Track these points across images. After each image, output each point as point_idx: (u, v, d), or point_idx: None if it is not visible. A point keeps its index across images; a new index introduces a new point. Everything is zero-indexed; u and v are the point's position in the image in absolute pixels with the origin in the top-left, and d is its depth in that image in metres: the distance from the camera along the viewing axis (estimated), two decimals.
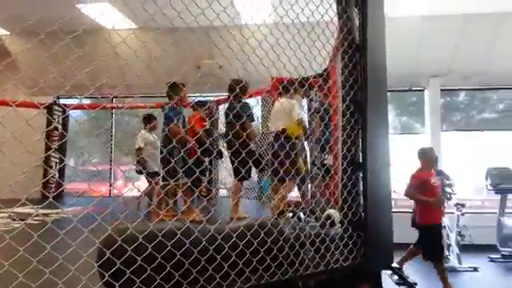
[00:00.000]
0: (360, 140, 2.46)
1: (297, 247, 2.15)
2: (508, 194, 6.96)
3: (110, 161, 9.37)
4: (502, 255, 6.74)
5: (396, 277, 5.13)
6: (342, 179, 2.46)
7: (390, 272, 5.26)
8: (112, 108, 8.96)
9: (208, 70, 7.84)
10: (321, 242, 2.32)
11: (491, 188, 6.82)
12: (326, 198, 3.02)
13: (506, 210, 7.03)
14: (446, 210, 6.68)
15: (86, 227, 1.51)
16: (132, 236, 1.61)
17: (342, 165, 2.47)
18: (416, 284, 5.03)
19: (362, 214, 2.44)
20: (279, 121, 4.19)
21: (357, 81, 2.49)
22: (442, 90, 8.41)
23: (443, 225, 6.49)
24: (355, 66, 2.50)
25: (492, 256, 6.84)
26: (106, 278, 1.52)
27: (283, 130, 4.11)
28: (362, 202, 2.46)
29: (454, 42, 7.77)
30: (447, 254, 6.54)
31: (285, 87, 4.33)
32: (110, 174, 9.33)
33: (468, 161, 8.76)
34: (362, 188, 2.45)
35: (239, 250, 1.88)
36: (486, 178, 6.89)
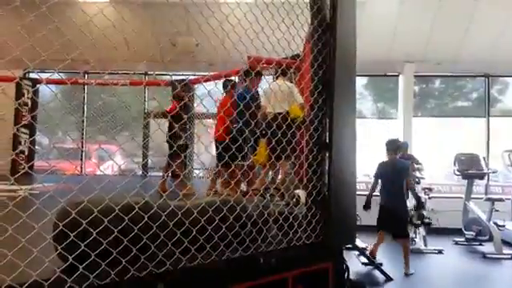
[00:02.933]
0: (327, 120, 2.48)
1: (259, 225, 2.16)
2: (474, 180, 7.18)
3: (82, 138, 9.16)
4: (466, 238, 7.01)
5: (363, 257, 5.30)
6: (308, 159, 2.48)
7: (357, 253, 5.43)
8: (84, 84, 8.72)
9: (184, 48, 7.70)
10: (284, 220, 2.35)
11: (458, 173, 7.03)
12: (297, 177, 3.04)
13: (472, 195, 7.27)
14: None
15: (50, 203, 1.48)
16: (90, 210, 1.59)
17: (308, 144, 2.48)
18: (382, 264, 5.18)
19: (327, 193, 2.47)
20: (283, 102, 4.07)
21: (325, 60, 2.49)
22: (415, 75, 8.53)
23: (411, 208, 6.69)
24: (325, 45, 2.49)
25: (457, 239, 7.11)
26: (59, 250, 1.49)
27: (287, 112, 4.01)
28: (327, 181, 2.49)
29: (428, 28, 7.86)
30: (414, 236, 6.77)
31: (283, 70, 4.21)
32: (82, 151, 9.13)
33: (440, 147, 8.97)
34: (327, 168, 2.48)
35: (200, 226, 1.88)
36: (454, 164, 7.09)
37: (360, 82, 9.47)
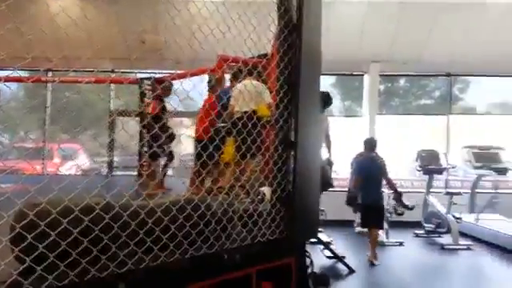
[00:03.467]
0: (292, 119, 2.53)
1: (224, 222, 2.19)
2: (434, 175, 7.49)
3: (44, 137, 8.86)
4: (426, 231, 7.31)
5: (327, 251, 5.43)
6: (274, 157, 2.53)
7: (322, 247, 5.56)
8: (47, 82, 8.42)
9: (152, 46, 7.59)
10: (248, 217, 2.38)
11: (420, 169, 7.31)
12: (262, 175, 3.07)
13: (433, 190, 7.58)
14: None
15: (8, 205, 1.45)
16: (49, 211, 1.56)
17: (274, 143, 2.52)
18: (344, 257, 5.33)
19: (291, 190, 2.53)
20: (251, 101, 4.06)
21: (291, 61, 2.53)
22: (380, 75, 8.79)
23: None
24: (291, 46, 2.53)
25: (417, 232, 7.40)
26: (16, 252, 1.46)
27: (254, 111, 4.02)
28: (291, 179, 2.54)
29: (393, 29, 8.10)
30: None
31: (249, 69, 4.19)
32: (43, 151, 8.84)
33: (404, 144, 9.27)
34: (292, 166, 2.53)
35: (163, 226, 1.89)
36: (416, 160, 7.36)
37: (328, 80, 9.67)
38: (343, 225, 7.41)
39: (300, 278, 2.63)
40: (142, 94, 7.52)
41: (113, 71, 8.62)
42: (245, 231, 2.33)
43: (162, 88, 5.78)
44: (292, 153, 2.50)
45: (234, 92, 4.07)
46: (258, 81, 4.01)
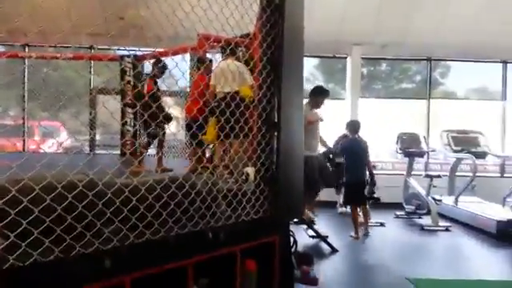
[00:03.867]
0: (276, 100, 2.54)
1: (208, 201, 2.21)
2: (415, 158, 7.65)
3: (23, 114, 8.67)
4: (406, 212, 7.50)
5: (310, 231, 5.54)
6: (257, 137, 2.54)
7: (305, 227, 5.66)
8: (24, 57, 8.19)
9: (131, 22, 7.40)
10: (233, 196, 2.41)
11: (400, 151, 7.45)
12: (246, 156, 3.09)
13: (413, 172, 7.74)
14: None
15: None
16: (31, 187, 1.55)
17: (257, 123, 2.53)
18: (327, 237, 5.44)
19: (275, 170, 2.55)
20: (232, 82, 4.01)
21: (274, 41, 2.52)
22: (363, 58, 8.82)
23: None
24: (273, 26, 2.52)
25: (398, 213, 7.58)
26: None
27: (237, 92, 3.98)
28: (275, 159, 2.57)
29: (375, 12, 8.10)
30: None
31: (232, 49, 4.12)
32: (24, 128, 8.66)
33: (386, 127, 9.40)
34: (275, 146, 2.55)
35: (148, 203, 1.89)
36: (397, 143, 7.49)
37: (312, 62, 9.66)
38: (326, 206, 7.54)
39: (284, 256, 2.69)
40: (123, 72, 7.40)
41: (91, 47, 8.41)
42: (229, 210, 2.36)
43: (158, 68, 5.63)
44: (275, 133, 2.53)
45: (216, 71, 4.03)
46: (239, 61, 3.99)
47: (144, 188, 1.88)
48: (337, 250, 5.20)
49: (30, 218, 1.48)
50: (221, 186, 2.33)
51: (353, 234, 5.86)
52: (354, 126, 6.32)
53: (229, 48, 3.56)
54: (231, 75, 3.64)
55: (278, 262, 2.63)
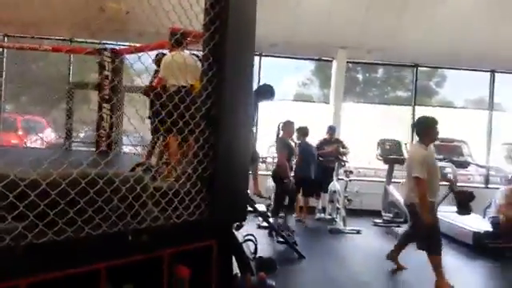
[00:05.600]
0: (216, 94, 2.36)
1: (129, 200, 2.03)
2: (395, 165, 7.50)
3: None
4: (384, 220, 7.35)
5: (278, 237, 5.37)
6: (194, 133, 2.37)
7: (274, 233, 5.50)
8: (3, 47, 8.00)
9: (112, 15, 7.25)
10: (162, 195, 2.23)
11: (380, 158, 7.30)
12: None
13: (395, 180, 7.59)
14: (339, 176, 7.08)
15: None
16: None
17: (194, 118, 2.36)
18: (296, 243, 5.28)
19: (213, 169, 2.38)
20: (187, 75, 3.80)
21: (218, 30, 2.36)
22: (348, 62, 8.68)
23: (334, 189, 6.89)
24: (218, 15, 2.35)
25: (376, 220, 7.42)
26: None
27: (192, 86, 3.80)
28: (214, 157, 2.39)
29: (362, 16, 7.98)
30: (334, 216, 6.98)
31: (177, 40, 3.93)
32: None
33: (377, 133, 9.26)
34: (214, 143, 2.38)
35: (49, 200, 1.72)
36: (377, 149, 7.34)
37: (308, 67, 9.53)
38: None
39: (222, 262, 2.52)
40: (101, 66, 7.23)
41: (71, 40, 8.23)
42: (156, 211, 2.18)
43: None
44: (215, 129, 2.35)
45: (167, 61, 3.83)
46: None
47: (45, 183, 1.70)
48: (304, 257, 5.03)
49: None
50: (147, 184, 2.15)
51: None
52: (303, 131, 7.02)
53: (174, 38, 3.39)
54: (186, 68, 3.47)
55: (216, 268, 2.46)
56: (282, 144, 5.91)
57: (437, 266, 4.16)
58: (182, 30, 3.22)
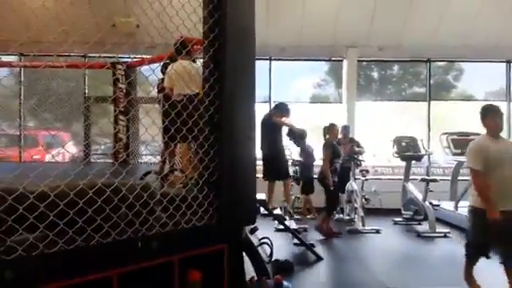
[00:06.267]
0: (219, 100, 2.40)
1: (137, 207, 2.08)
2: (412, 161, 7.38)
3: (20, 125, 8.75)
4: (404, 218, 7.23)
5: (295, 239, 5.36)
6: (199, 140, 2.41)
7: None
8: (20, 67, 8.27)
9: (124, 30, 7.42)
10: (170, 202, 2.27)
11: (397, 155, 7.20)
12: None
13: (411, 177, 7.48)
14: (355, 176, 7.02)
15: None
16: None
17: (198, 125, 2.40)
18: (313, 245, 5.25)
19: (219, 174, 2.41)
20: (193, 83, 3.88)
21: (218, 38, 2.40)
22: (359, 60, 8.61)
23: (351, 189, 6.83)
24: (217, 23, 2.40)
25: (396, 219, 7.32)
26: None
27: (196, 94, 3.87)
28: (220, 163, 2.42)
29: (370, 14, 7.92)
30: (353, 217, 6.92)
31: (177, 49, 3.92)
32: (20, 138, 8.73)
33: (395, 130, 9.15)
34: (219, 149, 2.41)
35: (59, 210, 1.78)
36: (393, 146, 7.24)
37: (323, 67, 9.49)
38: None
39: (234, 265, 2.54)
40: (116, 80, 7.40)
41: (85, 56, 8.45)
42: (164, 217, 2.22)
43: None
44: (219, 135, 2.39)
45: (170, 72, 3.88)
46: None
47: (53, 194, 1.77)
48: (322, 258, 5.00)
49: None
50: (154, 191, 2.20)
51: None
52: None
53: (175, 47, 3.44)
54: (188, 76, 3.52)
55: (228, 272, 2.49)
56: (327, 146, 6.18)
57: None
58: (182, 38, 3.29)
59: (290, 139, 6.47)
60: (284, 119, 6.24)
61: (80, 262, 1.86)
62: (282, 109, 6.37)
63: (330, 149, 6.13)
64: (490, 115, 3.62)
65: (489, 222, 3.32)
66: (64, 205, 1.80)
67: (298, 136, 6.42)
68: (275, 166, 6.14)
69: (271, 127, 6.10)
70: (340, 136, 7.62)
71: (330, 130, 6.36)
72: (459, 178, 7.64)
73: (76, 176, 1.98)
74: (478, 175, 3.48)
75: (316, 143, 7.54)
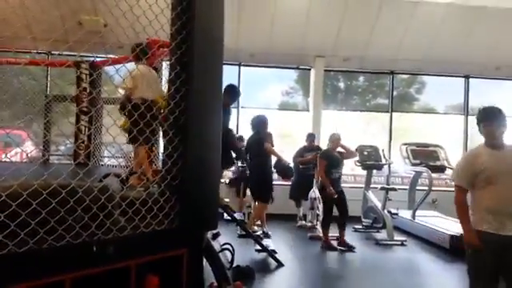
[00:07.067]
0: (185, 103, 2.38)
1: (94, 210, 2.02)
2: (374, 170, 7.60)
3: None
4: (364, 226, 7.41)
5: (257, 245, 5.36)
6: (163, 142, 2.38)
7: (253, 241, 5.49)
8: None
9: (90, 28, 7.22)
10: (129, 205, 2.22)
11: (359, 164, 7.38)
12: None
13: (372, 185, 7.68)
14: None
15: None
16: None
17: (162, 127, 2.37)
18: (274, 251, 5.28)
19: (182, 177, 2.39)
20: (152, 89, 3.77)
21: (186, 40, 2.38)
22: (325, 70, 8.81)
23: (314, 197, 6.93)
24: (184, 25, 2.38)
25: (356, 226, 7.48)
26: None
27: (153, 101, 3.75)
28: (182, 166, 2.40)
29: (337, 25, 8.13)
30: (315, 223, 7.02)
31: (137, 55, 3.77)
32: None
33: (359, 140, 9.35)
34: (183, 152, 2.39)
35: (11, 211, 1.70)
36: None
37: (292, 76, 9.60)
38: (286, 219, 7.46)
39: (193, 271, 2.51)
40: (79, 79, 7.18)
41: (49, 53, 8.16)
42: (123, 220, 2.17)
43: None
44: (183, 138, 2.37)
45: (134, 73, 3.78)
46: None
47: (5, 194, 1.69)
48: (283, 265, 5.03)
49: None
50: (112, 193, 2.14)
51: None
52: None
53: (145, 56, 3.39)
54: (152, 80, 3.48)
55: (186, 277, 2.45)
56: (325, 156, 6.21)
57: None
58: (142, 46, 3.25)
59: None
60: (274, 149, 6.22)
61: (31, 266, 1.78)
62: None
63: (325, 161, 6.14)
64: (483, 121, 3.06)
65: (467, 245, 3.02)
66: (16, 206, 1.72)
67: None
68: (263, 188, 6.11)
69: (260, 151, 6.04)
70: (306, 143, 7.75)
71: (329, 138, 6.39)
72: (417, 187, 7.94)
73: (30, 176, 1.90)
74: (460, 191, 3.11)
75: (282, 149, 7.58)
